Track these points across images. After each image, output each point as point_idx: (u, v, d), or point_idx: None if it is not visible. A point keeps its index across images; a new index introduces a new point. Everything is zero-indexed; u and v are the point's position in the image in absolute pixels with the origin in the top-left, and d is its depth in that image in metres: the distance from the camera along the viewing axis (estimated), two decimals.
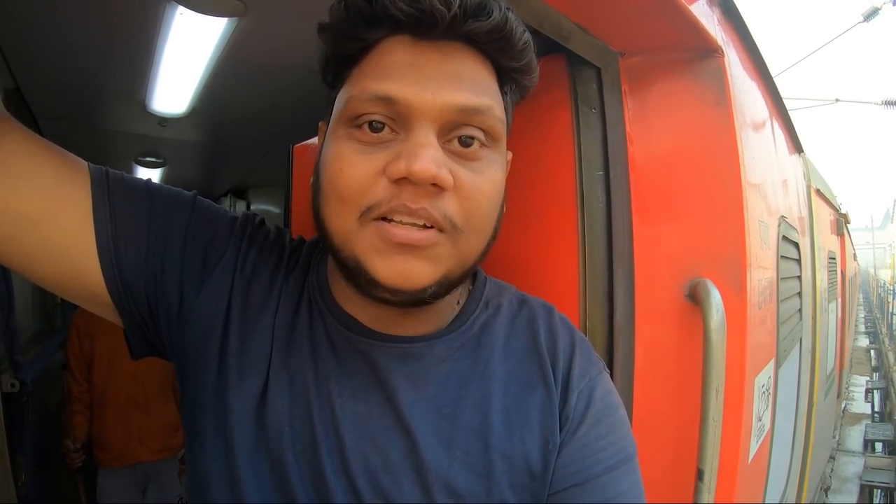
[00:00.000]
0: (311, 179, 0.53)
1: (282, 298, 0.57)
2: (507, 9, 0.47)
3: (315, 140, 1.52)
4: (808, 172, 2.32)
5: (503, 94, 0.51)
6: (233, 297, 0.55)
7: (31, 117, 2.05)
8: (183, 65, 1.47)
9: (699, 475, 0.81)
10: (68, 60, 1.49)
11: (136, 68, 1.53)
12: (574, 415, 0.55)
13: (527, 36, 0.49)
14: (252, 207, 3.78)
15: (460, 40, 0.47)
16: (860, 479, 4.74)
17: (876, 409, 7.38)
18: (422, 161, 0.43)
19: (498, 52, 0.48)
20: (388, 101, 0.45)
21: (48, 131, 2.23)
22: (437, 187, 0.45)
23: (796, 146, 1.99)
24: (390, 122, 0.46)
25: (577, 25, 0.77)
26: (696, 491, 0.81)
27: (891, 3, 7.15)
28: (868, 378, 8.58)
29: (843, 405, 5.66)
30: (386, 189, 0.45)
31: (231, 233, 0.58)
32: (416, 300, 0.48)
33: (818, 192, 2.62)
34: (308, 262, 0.59)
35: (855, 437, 5.88)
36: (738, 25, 1.01)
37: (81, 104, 1.91)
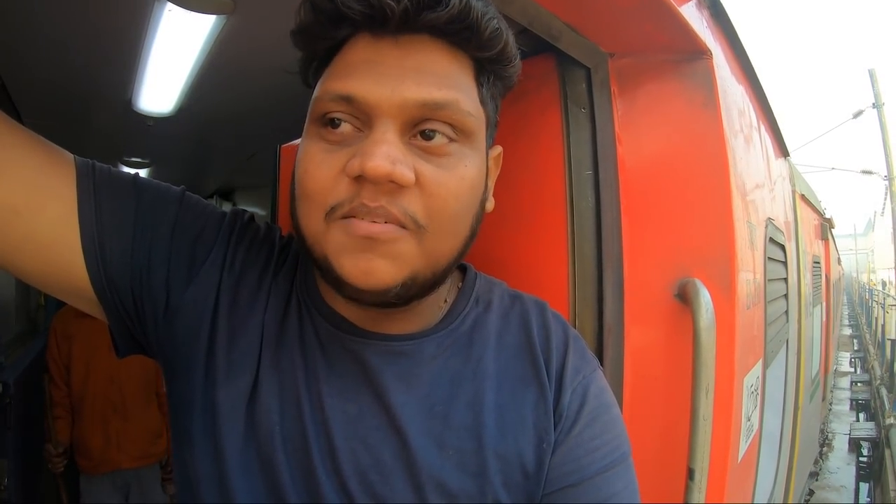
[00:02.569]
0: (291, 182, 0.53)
1: (271, 296, 0.55)
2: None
3: None
4: (794, 177, 2.34)
5: (479, 84, 0.49)
6: (221, 294, 0.54)
7: (16, 115, 2.02)
8: (170, 63, 1.46)
9: (690, 474, 0.81)
10: (54, 58, 1.47)
11: (123, 66, 1.51)
12: (568, 413, 0.54)
13: (495, 23, 0.47)
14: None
15: (425, 32, 0.45)
16: (850, 399, 9.03)
17: (857, 370, 11.86)
18: (374, 159, 0.42)
19: (464, 42, 0.47)
20: (348, 99, 0.45)
21: (33, 129, 2.19)
22: (395, 184, 0.44)
23: (782, 150, 2.02)
24: (354, 119, 0.46)
25: (567, 25, 0.77)
26: (687, 490, 0.81)
27: (871, 107, 11.42)
28: (850, 353, 13.41)
29: (828, 408, 6.57)
30: (348, 188, 0.45)
31: (220, 228, 0.57)
32: (381, 301, 0.48)
33: (803, 196, 2.65)
34: (297, 260, 0.59)
35: (844, 382, 9.98)
36: (726, 28, 1.02)
37: (67, 102, 1.89)
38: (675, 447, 0.84)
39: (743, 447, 1.03)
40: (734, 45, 1.09)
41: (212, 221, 0.57)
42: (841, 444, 6.73)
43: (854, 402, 8.94)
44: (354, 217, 0.45)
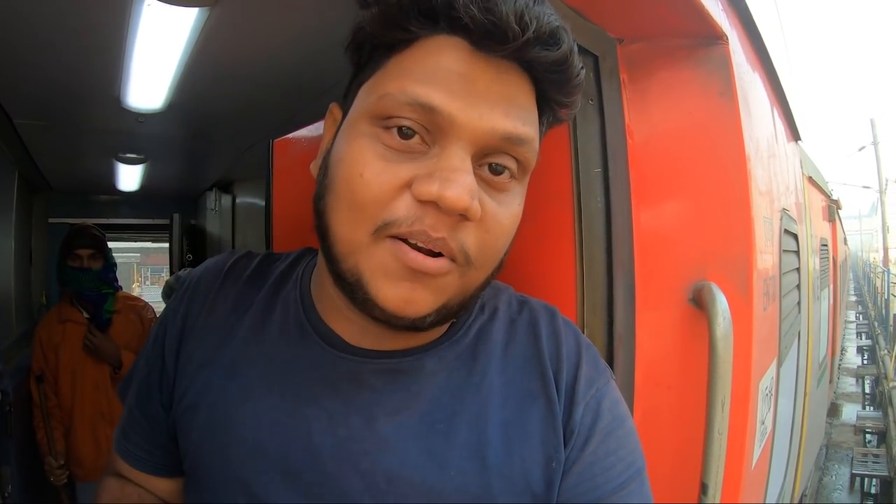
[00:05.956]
0: (314, 168, 0.49)
1: (266, 323, 0.55)
2: (574, 41, 0.44)
3: (298, 133, 1.43)
4: (802, 159, 2.27)
5: (541, 124, 0.48)
6: (213, 373, 0.55)
7: (6, 116, 1.97)
8: (156, 59, 1.41)
9: (703, 489, 0.77)
10: (38, 57, 1.43)
11: (109, 64, 1.47)
12: (580, 429, 0.51)
13: (582, 73, 0.46)
14: (238, 201, 3.72)
15: (516, 61, 0.43)
16: (855, 332, 12.95)
17: (860, 319, 16.11)
18: (456, 189, 0.40)
19: (552, 83, 0.45)
20: (429, 109, 0.41)
21: (26, 131, 2.14)
22: (463, 217, 0.41)
23: (794, 134, 1.95)
24: (423, 131, 0.42)
25: (572, 9, 0.72)
26: None
27: (870, 144, 17.29)
28: (855, 311, 17.79)
29: (834, 389, 6.89)
30: (409, 208, 0.42)
31: (166, 332, 0.58)
32: (413, 328, 0.46)
33: (810, 179, 2.59)
34: (282, 280, 0.58)
35: (852, 326, 13.90)
36: (740, 10, 0.95)
37: (56, 102, 1.85)
38: (688, 460, 0.79)
39: (756, 453, 0.99)
40: (748, 28, 1.03)
41: (160, 334, 0.59)
42: (852, 352, 11.26)
43: (858, 334, 13.19)
44: (407, 240, 0.42)
